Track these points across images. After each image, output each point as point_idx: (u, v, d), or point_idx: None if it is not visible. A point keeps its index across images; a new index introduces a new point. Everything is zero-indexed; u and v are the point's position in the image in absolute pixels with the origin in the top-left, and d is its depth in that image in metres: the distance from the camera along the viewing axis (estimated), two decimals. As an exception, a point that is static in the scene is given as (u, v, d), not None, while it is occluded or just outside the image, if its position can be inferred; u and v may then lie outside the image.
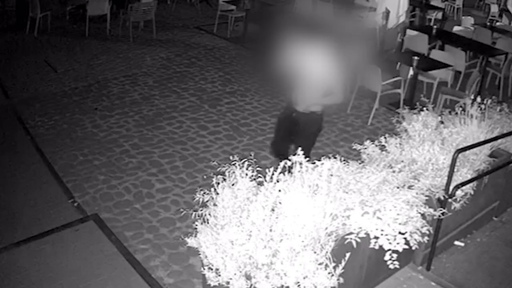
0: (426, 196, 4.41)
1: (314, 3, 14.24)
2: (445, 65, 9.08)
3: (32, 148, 7.32)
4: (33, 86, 9.42)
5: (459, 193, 4.68)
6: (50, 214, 5.88)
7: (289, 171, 3.89)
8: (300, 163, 3.92)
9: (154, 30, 12.66)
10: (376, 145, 4.93)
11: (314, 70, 5.29)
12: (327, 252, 3.55)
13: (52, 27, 12.52)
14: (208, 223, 3.79)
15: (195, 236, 3.76)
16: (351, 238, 3.73)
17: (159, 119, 8.25)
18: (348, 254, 3.61)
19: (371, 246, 3.81)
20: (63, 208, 6.02)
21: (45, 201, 6.12)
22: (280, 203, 3.75)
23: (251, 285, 3.44)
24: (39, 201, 6.12)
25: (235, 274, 3.48)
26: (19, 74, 9.95)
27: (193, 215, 3.86)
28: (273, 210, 3.73)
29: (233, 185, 3.91)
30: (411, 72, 9.06)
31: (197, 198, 3.90)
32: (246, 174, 3.91)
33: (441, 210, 4.46)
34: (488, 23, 12.45)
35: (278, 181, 3.79)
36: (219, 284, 3.53)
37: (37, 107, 8.56)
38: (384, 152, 4.91)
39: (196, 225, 3.80)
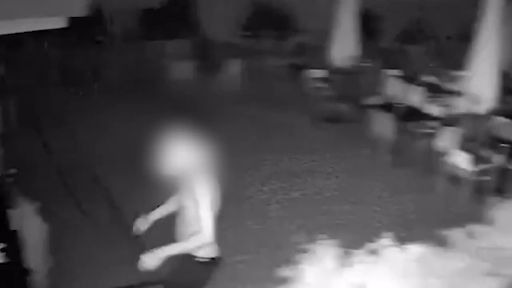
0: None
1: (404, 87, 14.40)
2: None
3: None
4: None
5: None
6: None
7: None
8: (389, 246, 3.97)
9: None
10: (464, 232, 4.89)
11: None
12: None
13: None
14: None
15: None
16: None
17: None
18: None
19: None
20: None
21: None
22: (366, 285, 3.78)
23: None
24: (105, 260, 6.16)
25: None
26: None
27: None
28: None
29: (317, 264, 3.98)
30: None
31: (280, 274, 3.96)
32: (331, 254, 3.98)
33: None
34: None
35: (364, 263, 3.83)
36: None
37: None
38: (471, 239, 4.86)
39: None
